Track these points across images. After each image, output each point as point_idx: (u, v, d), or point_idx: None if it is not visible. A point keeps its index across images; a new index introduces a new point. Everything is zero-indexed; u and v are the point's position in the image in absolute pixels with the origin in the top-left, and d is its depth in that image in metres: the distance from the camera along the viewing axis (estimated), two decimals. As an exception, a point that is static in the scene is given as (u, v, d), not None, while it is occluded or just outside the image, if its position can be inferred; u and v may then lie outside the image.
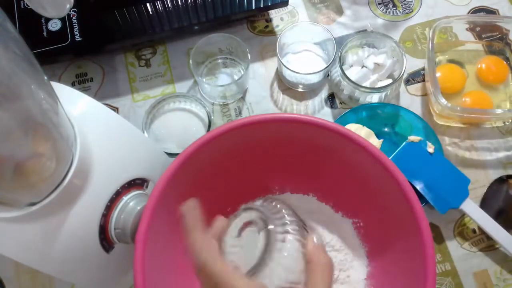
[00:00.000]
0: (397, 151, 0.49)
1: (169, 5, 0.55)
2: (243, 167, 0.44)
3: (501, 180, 0.51)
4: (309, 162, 0.45)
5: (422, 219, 0.36)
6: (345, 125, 0.50)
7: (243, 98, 0.56)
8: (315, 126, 0.40)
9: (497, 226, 0.46)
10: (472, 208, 0.47)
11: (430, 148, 0.49)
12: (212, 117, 0.54)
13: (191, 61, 0.52)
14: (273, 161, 0.45)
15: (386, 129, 0.53)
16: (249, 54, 0.52)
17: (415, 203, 0.37)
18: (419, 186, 0.48)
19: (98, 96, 0.56)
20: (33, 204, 0.32)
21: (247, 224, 0.33)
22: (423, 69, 0.57)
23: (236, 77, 0.56)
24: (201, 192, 0.43)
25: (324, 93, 0.56)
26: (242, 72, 0.54)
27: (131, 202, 0.39)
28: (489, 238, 0.49)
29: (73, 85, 0.57)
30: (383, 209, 0.42)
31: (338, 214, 0.46)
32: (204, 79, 0.56)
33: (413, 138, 0.49)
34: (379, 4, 0.61)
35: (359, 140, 0.39)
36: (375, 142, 0.49)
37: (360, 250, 0.44)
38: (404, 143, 0.50)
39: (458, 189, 0.48)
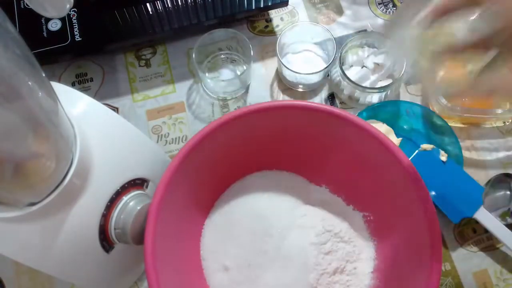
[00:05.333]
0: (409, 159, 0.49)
1: (169, 5, 0.55)
2: (255, 155, 0.45)
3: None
4: (323, 153, 0.45)
5: (433, 219, 0.36)
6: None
7: (244, 96, 0.56)
8: (334, 116, 0.40)
9: None
10: (486, 217, 0.46)
11: (443, 157, 0.48)
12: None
13: (194, 55, 0.52)
14: (284, 151, 0.45)
15: (405, 127, 0.53)
16: (251, 49, 0.52)
17: (428, 203, 0.37)
18: (431, 195, 0.47)
19: (98, 96, 0.56)
20: (33, 204, 0.32)
21: None
22: (423, 69, 0.57)
23: (239, 72, 0.56)
24: (210, 181, 0.44)
25: (324, 93, 0.56)
26: (245, 67, 0.54)
27: (131, 202, 0.39)
28: (489, 238, 0.49)
29: (73, 85, 0.57)
30: (394, 204, 0.42)
31: (349, 207, 0.47)
32: (207, 74, 0.56)
33: (426, 146, 0.49)
34: (379, 4, 0.61)
35: (378, 135, 0.39)
36: (394, 140, 0.49)
37: (369, 243, 0.45)
38: (416, 151, 0.49)
39: (472, 198, 0.47)
